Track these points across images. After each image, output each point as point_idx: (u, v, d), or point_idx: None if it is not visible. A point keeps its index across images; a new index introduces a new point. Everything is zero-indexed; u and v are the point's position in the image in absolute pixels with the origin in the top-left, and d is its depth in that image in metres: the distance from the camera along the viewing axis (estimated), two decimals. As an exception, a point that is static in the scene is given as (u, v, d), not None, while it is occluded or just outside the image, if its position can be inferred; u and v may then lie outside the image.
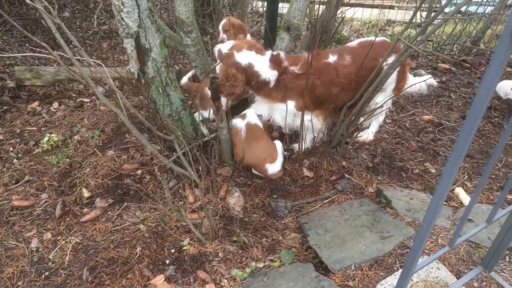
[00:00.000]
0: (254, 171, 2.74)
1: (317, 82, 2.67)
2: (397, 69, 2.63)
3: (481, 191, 2.21)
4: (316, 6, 3.55)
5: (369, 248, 2.13)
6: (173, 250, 2.18)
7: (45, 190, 2.57)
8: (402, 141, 3.21)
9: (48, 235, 2.27)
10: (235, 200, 2.48)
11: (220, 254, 2.14)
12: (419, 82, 3.13)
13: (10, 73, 3.68)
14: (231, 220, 2.39)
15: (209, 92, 2.50)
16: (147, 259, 2.12)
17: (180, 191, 2.60)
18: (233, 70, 2.54)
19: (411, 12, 6.42)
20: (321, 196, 2.59)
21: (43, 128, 3.18)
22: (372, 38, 2.82)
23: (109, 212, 2.44)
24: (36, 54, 3.77)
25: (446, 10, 2.43)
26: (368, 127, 3.16)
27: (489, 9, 5.36)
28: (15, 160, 2.81)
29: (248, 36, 3.14)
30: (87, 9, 5.05)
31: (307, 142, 2.91)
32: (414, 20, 2.47)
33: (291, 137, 2.98)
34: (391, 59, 2.52)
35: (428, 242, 2.18)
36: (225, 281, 2.00)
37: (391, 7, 7.11)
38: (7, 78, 3.62)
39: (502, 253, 1.88)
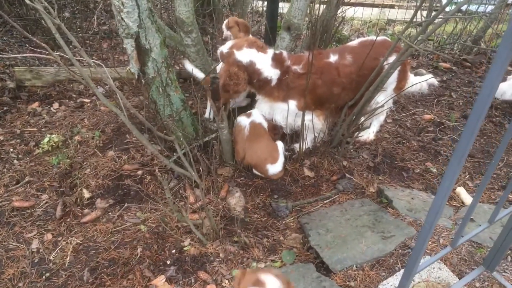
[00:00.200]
0: (255, 171, 2.74)
1: (318, 82, 2.66)
2: (398, 68, 2.63)
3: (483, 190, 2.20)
4: (317, 6, 3.54)
5: (371, 248, 2.12)
6: (174, 251, 2.17)
7: (45, 191, 2.57)
8: (403, 141, 3.21)
9: (48, 236, 2.26)
10: (236, 201, 2.48)
11: (221, 255, 2.14)
12: (420, 82, 3.12)
13: (10, 73, 3.68)
14: (232, 220, 2.38)
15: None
16: (148, 259, 2.12)
17: (180, 191, 2.60)
18: (234, 69, 2.53)
19: (412, 11, 6.41)
20: (322, 196, 2.58)
21: (43, 129, 3.17)
22: (372, 37, 2.81)
23: (110, 213, 2.43)
24: (36, 55, 3.77)
25: (447, 9, 2.42)
26: (369, 127, 3.15)
27: (489, 8, 5.35)
28: (15, 161, 2.81)
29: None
30: (87, 10, 5.04)
31: (308, 142, 2.90)
32: (414, 20, 2.46)
33: (292, 137, 2.97)
34: (392, 59, 2.52)
35: (430, 242, 2.17)
36: (226, 281, 1.99)
37: (392, 6, 7.09)
38: (7, 78, 3.62)
39: (504, 253, 1.88)
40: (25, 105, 3.46)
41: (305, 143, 2.85)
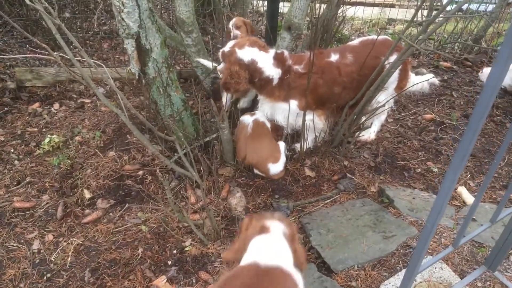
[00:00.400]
0: (255, 171, 2.73)
1: (319, 82, 2.66)
2: (399, 67, 2.62)
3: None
4: (317, 5, 3.54)
5: (372, 248, 2.12)
6: (175, 251, 2.17)
7: (46, 191, 2.57)
8: (404, 140, 3.20)
9: (49, 237, 2.26)
10: (237, 201, 2.48)
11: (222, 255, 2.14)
12: (421, 82, 3.11)
13: (11, 74, 3.67)
14: (233, 220, 2.38)
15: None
16: (149, 260, 2.11)
17: (181, 191, 2.59)
18: (236, 67, 2.53)
19: (412, 11, 6.41)
20: (323, 196, 2.58)
21: (44, 129, 3.17)
22: (373, 36, 2.80)
23: (111, 213, 2.43)
24: (37, 55, 3.77)
25: (448, 8, 2.41)
26: (370, 126, 3.15)
27: (490, 7, 5.34)
28: (16, 162, 2.81)
29: None
30: (87, 10, 5.04)
31: (309, 142, 2.90)
32: (415, 19, 2.46)
33: (293, 137, 2.97)
34: (392, 58, 2.51)
35: (431, 242, 2.17)
36: (228, 282, 1.99)
37: (392, 6, 7.08)
38: (7, 79, 3.62)
39: (506, 252, 1.87)
40: (25, 105, 3.46)
41: (306, 143, 2.85)
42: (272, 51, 2.66)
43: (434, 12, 3.55)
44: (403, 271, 1.97)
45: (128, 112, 2.12)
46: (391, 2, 7.26)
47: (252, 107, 3.14)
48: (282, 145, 2.77)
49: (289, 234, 1.46)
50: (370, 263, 2.05)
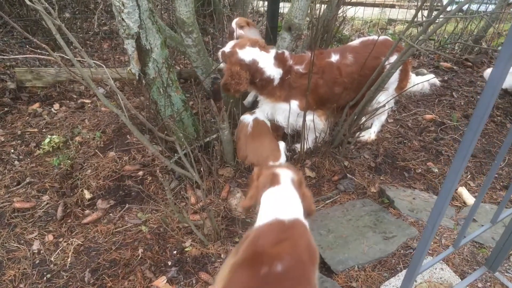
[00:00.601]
0: (255, 171, 2.73)
1: (320, 82, 2.66)
2: (399, 68, 2.62)
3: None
4: (318, 6, 3.54)
5: (372, 248, 2.12)
6: (175, 252, 2.17)
7: (46, 192, 2.57)
8: (405, 141, 3.20)
9: (49, 237, 2.26)
10: (237, 201, 2.47)
11: (222, 255, 2.13)
12: (422, 82, 3.11)
13: (11, 74, 3.67)
14: (233, 221, 2.38)
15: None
16: (149, 260, 2.11)
17: (181, 192, 2.59)
18: (237, 68, 2.53)
19: (412, 11, 6.41)
20: (323, 196, 2.58)
21: (44, 130, 3.17)
22: (374, 37, 2.80)
23: (111, 214, 2.43)
24: (37, 56, 3.77)
25: (448, 9, 2.41)
26: (370, 127, 3.15)
27: (491, 7, 5.33)
28: (16, 162, 2.81)
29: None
30: (87, 10, 5.04)
31: (309, 142, 2.89)
32: (416, 19, 2.46)
33: (293, 137, 2.97)
34: (393, 58, 2.51)
35: (432, 243, 2.16)
36: (228, 282, 1.99)
37: (392, 6, 7.08)
38: (7, 79, 3.62)
39: (507, 253, 1.87)
40: (25, 106, 3.46)
41: (306, 143, 2.84)
42: (273, 51, 2.66)
43: (435, 13, 3.55)
44: (404, 271, 1.97)
45: (128, 112, 2.12)
46: (391, 3, 7.25)
47: (252, 107, 3.14)
48: (282, 145, 2.77)
49: (297, 180, 1.58)
50: (371, 263, 2.04)
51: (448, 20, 4.38)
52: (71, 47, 3.65)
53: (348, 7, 4.14)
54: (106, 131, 3.12)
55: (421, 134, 3.30)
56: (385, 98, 2.81)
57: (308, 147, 2.90)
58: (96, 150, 2.89)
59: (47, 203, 2.48)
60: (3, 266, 2.09)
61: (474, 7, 5.37)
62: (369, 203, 2.51)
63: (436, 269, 1.98)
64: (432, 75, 3.39)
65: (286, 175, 1.56)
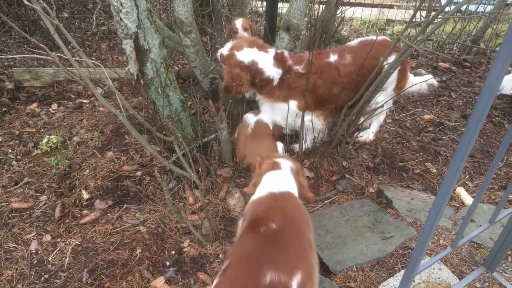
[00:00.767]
0: (254, 171, 2.73)
1: (319, 82, 2.66)
2: (398, 68, 2.62)
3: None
4: (316, 6, 3.54)
5: (371, 249, 2.12)
6: (173, 252, 2.17)
7: (44, 192, 2.56)
8: (403, 141, 3.20)
9: (47, 237, 2.25)
10: (236, 201, 2.47)
11: (220, 256, 2.13)
12: (420, 82, 3.12)
13: (9, 74, 3.67)
14: (232, 221, 2.37)
15: None
16: (147, 261, 2.11)
17: (180, 192, 2.59)
18: (237, 70, 2.52)
19: (411, 11, 6.41)
20: (321, 196, 2.58)
21: (42, 130, 3.16)
22: (372, 37, 2.80)
23: (109, 214, 2.42)
24: (35, 56, 3.76)
25: (446, 9, 2.41)
26: (368, 127, 3.15)
27: (489, 8, 5.34)
28: (14, 162, 2.80)
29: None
30: (85, 10, 5.03)
31: (307, 142, 2.89)
32: (414, 20, 2.46)
33: (291, 137, 2.97)
34: (391, 59, 2.51)
35: (430, 243, 2.17)
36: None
37: (391, 6, 7.09)
38: (5, 79, 3.61)
39: (505, 253, 1.87)
40: (23, 106, 3.45)
41: (305, 143, 2.84)
42: (272, 51, 2.66)
43: (433, 13, 3.56)
44: (402, 271, 1.97)
45: (127, 112, 2.12)
46: (389, 3, 7.27)
47: (255, 105, 3.12)
48: (280, 145, 2.77)
49: (295, 169, 1.81)
50: (369, 263, 2.04)
51: (447, 21, 4.39)
52: (69, 47, 3.64)
53: (347, 7, 4.15)
54: (104, 131, 3.11)
55: (419, 135, 3.30)
56: (383, 98, 2.81)
57: (306, 147, 2.90)
58: (94, 150, 2.89)
59: (45, 203, 2.48)
60: (1, 267, 2.08)
61: (472, 7, 5.38)
62: (367, 203, 2.51)
63: (434, 269, 1.98)
64: (430, 76, 3.40)
65: (286, 163, 1.80)
